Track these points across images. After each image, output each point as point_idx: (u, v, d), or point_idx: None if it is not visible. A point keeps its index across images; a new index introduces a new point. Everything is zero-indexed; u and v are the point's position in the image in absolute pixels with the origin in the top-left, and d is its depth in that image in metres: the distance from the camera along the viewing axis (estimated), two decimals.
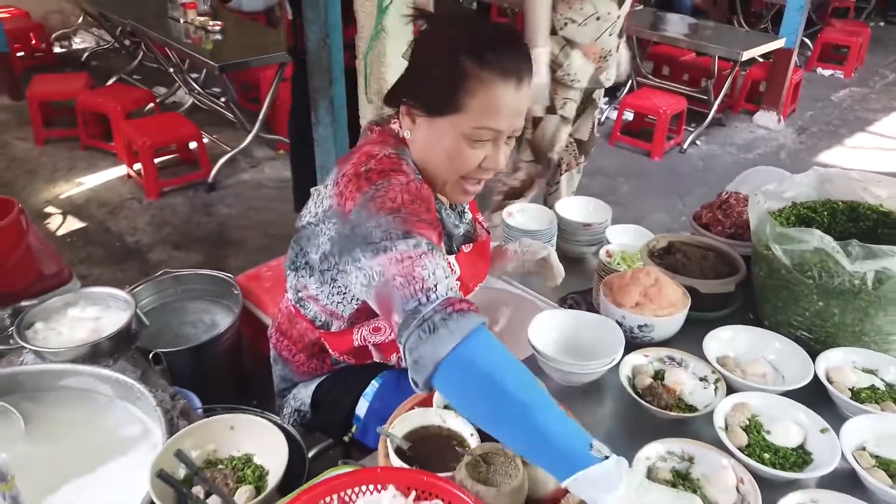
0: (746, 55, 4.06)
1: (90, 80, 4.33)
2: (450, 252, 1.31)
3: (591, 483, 0.84)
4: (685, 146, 4.39)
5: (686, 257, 1.57)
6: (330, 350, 1.40)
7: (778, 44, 4.40)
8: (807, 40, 6.17)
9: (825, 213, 1.51)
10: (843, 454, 1.08)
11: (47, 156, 4.01)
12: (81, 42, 6.02)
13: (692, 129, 4.49)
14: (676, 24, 4.73)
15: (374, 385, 1.39)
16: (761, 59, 4.87)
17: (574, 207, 2.30)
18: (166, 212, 3.50)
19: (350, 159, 1.17)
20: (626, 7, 2.49)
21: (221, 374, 2.19)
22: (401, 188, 1.09)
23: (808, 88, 5.44)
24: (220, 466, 1.15)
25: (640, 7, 5.05)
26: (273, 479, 1.10)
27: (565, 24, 2.45)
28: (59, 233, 3.28)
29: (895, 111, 5.25)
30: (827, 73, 5.88)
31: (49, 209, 3.47)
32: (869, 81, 5.82)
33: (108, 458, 1.19)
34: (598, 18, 2.44)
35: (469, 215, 1.43)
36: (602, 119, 4.92)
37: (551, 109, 2.61)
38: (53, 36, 5.85)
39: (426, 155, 1.19)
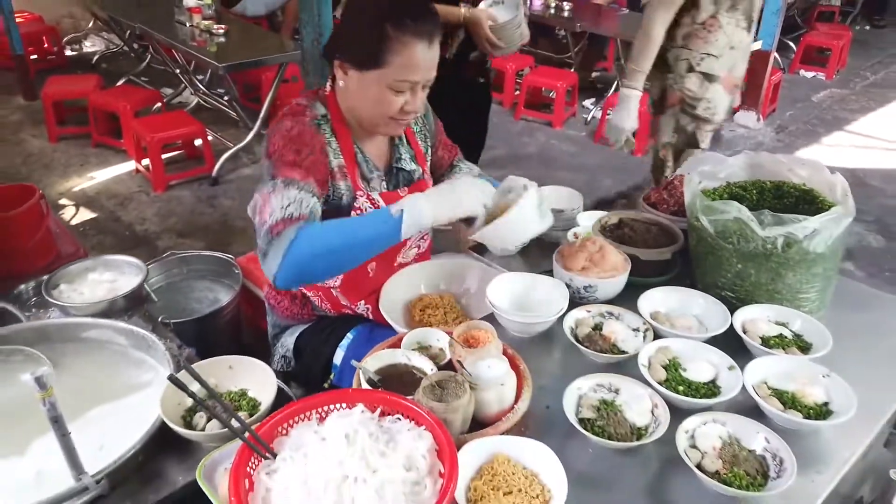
0: None
1: (101, 81, 4.56)
2: (369, 189, 1.55)
3: (413, 221, 1.30)
4: None
5: (633, 231, 1.78)
6: (306, 292, 1.64)
7: (755, 46, 4.60)
8: (791, 43, 6.37)
9: (754, 191, 1.70)
10: (744, 386, 1.28)
11: (60, 152, 4.25)
12: (92, 45, 6.26)
13: None
14: None
15: (349, 337, 1.61)
16: None
17: (549, 195, 2.50)
18: (173, 203, 3.72)
19: None
20: (754, 32, 2.54)
21: (222, 346, 2.40)
22: (283, 133, 1.40)
23: (790, 89, 5.64)
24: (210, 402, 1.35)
25: (626, 11, 5.25)
26: (263, 408, 1.31)
27: (702, 58, 2.45)
28: (73, 222, 3.51)
29: (872, 111, 5.44)
30: (809, 74, 6.07)
31: (63, 201, 3.69)
32: (849, 83, 6.01)
33: (124, 395, 1.39)
34: (731, 48, 2.46)
35: (416, 171, 1.64)
36: (588, 119, 5.14)
37: (694, 143, 2.66)
38: (65, 39, 6.09)
39: (357, 101, 1.44)
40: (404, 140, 1.62)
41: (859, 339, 1.52)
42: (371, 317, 1.66)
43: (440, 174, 1.77)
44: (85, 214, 3.59)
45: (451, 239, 1.84)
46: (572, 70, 5.33)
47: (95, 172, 4.04)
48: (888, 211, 3.94)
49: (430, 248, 1.74)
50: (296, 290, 1.59)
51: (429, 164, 1.69)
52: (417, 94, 1.41)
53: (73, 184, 3.90)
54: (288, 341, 1.73)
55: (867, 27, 7.73)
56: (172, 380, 1.05)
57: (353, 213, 1.51)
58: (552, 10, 5.09)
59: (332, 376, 1.64)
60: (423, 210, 1.30)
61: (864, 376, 1.35)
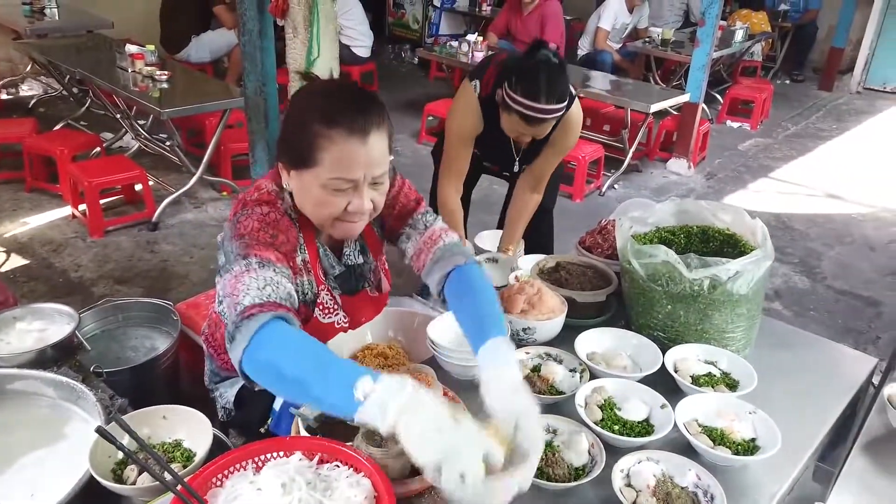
0: (655, 108, 4.49)
1: (37, 125, 4.46)
2: (330, 284, 1.49)
3: (369, 418, 1.00)
4: (604, 189, 4.77)
5: (569, 273, 1.84)
6: None
7: (684, 98, 4.87)
8: (717, 96, 6.75)
9: (682, 235, 1.79)
10: (675, 424, 1.33)
11: None
12: (29, 89, 6.12)
13: (610, 175, 4.87)
14: (599, 81, 5.17)
15: None
16: (674, 112, 5.34)
17: (490, 239, 2.56)
18: (110, 249, 3.62)
19: (249, 187, 1.41)
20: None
21: (159, 395, 2.32)
22: (258, 216, 1.30)
23: (718, 138, 5.94)
24: (141, 455, 1.31)
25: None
26: (199, 459, 1.28)
27: None
28: (2, 269, 3.37)
29: (794, 159, 5.77)
30: (735, 125, 6.43)
31: None
32: (773, 133, 6.38)
33: (53, 448, 1.34)
34: None
35: (365, 265, 1.57)
36: None
37: None
38: (0, 83, 5.94)
39: (301, 202, 1.36)
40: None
41: (783, 376, 1.60)
42: None
43: (395, 240, 1.60)
44: (16, 261, 3.46)
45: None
46: None
47: (29, 218, 3.91)
48: (811, 253, 4.16)
49: (385, 299, 1.72)
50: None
51: (384, 248, 1.63)
52: (362, 193, 1.30)
53: (5, 229, 3.75)
54: (228, 393, 1.69)
55: (787, 81, 8.26)
56: (101, 432, 1.02)
57: (316, 308, 1.47)
58: None
59: (269, 421, 1.61)
60: (385, 416, 0.99)
61: (789, 412, 1.42)
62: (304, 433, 1.26)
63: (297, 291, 1.36)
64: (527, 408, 1.12)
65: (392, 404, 0.99)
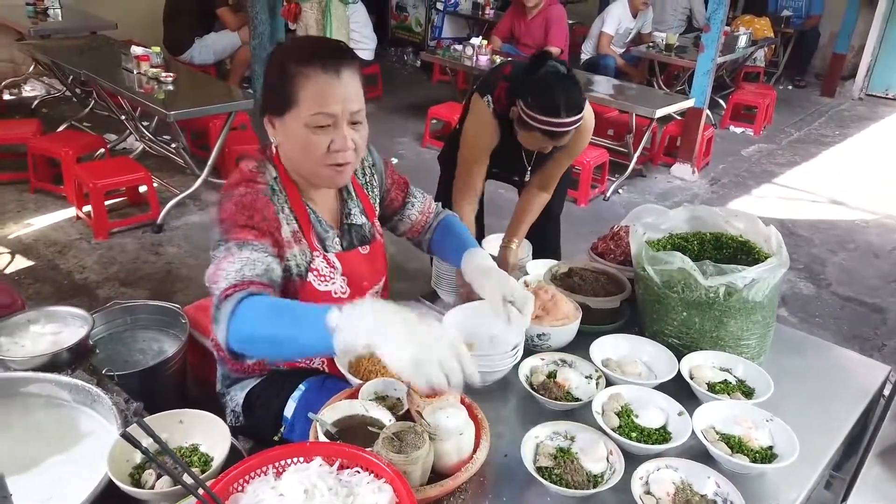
0: (659, 113, 4.50)
1: (41, 127, 4.45)
2: (325, 249, 1.53)
3: (345, 345, 1.08)
4: (608, 194, 4.77)
5: (582, 279, 1.83)
6: None
7: (688, 103, 4.88)
8: (720, 101, 6.77)
9: (695, 242, 1.79)
10: (693, 431, 1.33)
11: None
12: (32, 90, 6.12)
13: (615, 180, 4.88)
14: (603, 86, 5.18)
15: (301, 388, 1.58)
16: (678, 117, 5.35)
17: (495, 243, 2.56)
18: (115, 251, 3.62)
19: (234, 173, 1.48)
20: None
21: (167, 399, 2.31)
22: (235, 199, 1.36)
23: (721, 144, 5.95)
24: (162, 458, 1.31)
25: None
26: (216, 464, 1.27)
27: None
28: (7, 271, 3.36)
29: (797, 165, 5.78)
30: (738, 130, 6.44)
31: None
32: (776, 138, 6.39)
33: (68, 453, 1.33)
34: None
35: (367, 225, 1.62)
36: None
37: None
38: (3, 84, 5.93)
39: (288, 153, 1.44)
40: (353, 194, 1.61)
41: (796, 383, 1.60)
42: (326, 369, 1.64)
43: (395, 213, 1.76)
44: (21, 263, 3.45)
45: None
46: None
47: (33, 219, 3.90)
48: (815, 259, 4.17)
49: (378, 251, 1.70)
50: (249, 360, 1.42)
51: (378, 213, 1.69)
52: (342, 130, 1.37)
53: (9, 231, 3.75)
54: (238, 396, 1.69)
55: (790, 87, 8.27)
56: (125, 436, 1.02)
57: (310, 273, 1.49)
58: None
59: (282, 429, 1.61)
60: (359, 331, 1.07)
61: (804, 419, 1.42)
62: (322, 438, 1.26)
63: (291, 265, 1.45)
64: (503, 277, 1.47)
65: (361, 326, 1.07)
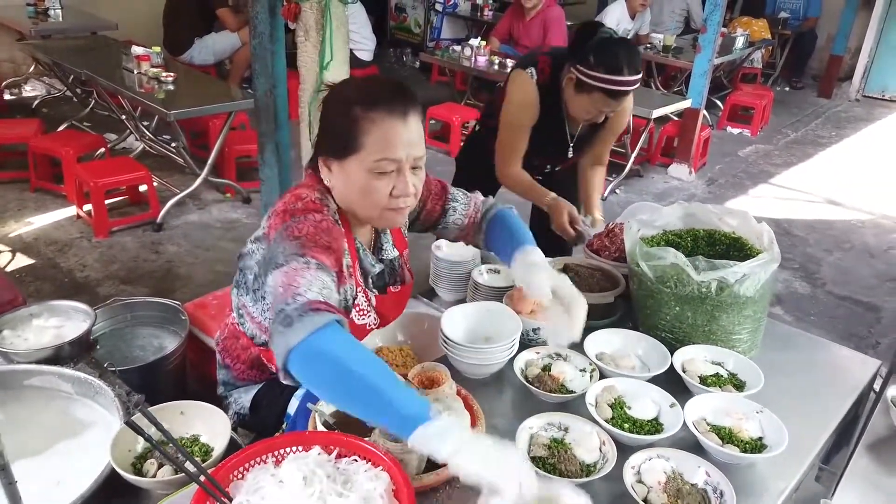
0: (656, 113, 4.53)
1: (42, 126, 4.47)
2: (367, 286, 1.54)
3: (429, 437, 1.03)
4: (606, 194, 4.80)
5: (577, 276, 1.86)
6: (267, 364, 1.62)
7: (685, 104, 4.92)
8: (718, 102, 6.80)
9: (689, 238, 1.82)
10: (685, 422, 1.36)
11: None
12: (32, 90, 6.14)
13: (612, 179, 4.91)
14: None
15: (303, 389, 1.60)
16: (675, 118, 5.38)
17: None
18: (115, 249, 3.64)
19: (283, 198, 1.41)
20: None
21: (167, 395, 2.33)
22: (312, 223, 1.30)
23: (718, 144, 5.98)
24: (170, 445, 1.34)
25: None
26: (216, 454, 1.30)
27: None
28: (8, 269, 3.38)
29: (794, 165, 5.82)
30: (735, 131, 6.47)
31: None
32: (772, 139, 6.42)
33: (71, 443, 1.36)
34: None
35: (397, 258, 1.62)
36: None
37: None
38: (4, 84, 5.95)
39: (346, 195, 1.39)
40: (386, 229, 1.58)
41: (787, 377, 1.63)
42: None
43: (437, 223, 1.70)
44: (22, 261, 3.47)
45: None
46: None
47: (34, 218, 3.92)
48: (811, 259, 4.20)
49: (407, 292, 1.72)
50: (293, 380, 1.17)
51: (407, 245, 1.67)
52: (405, 176, 1.34)
53: (10, 229, 3.77)
54: (243, 399, 1.69)
55: (787, 88, 8.31)
56: (130, 424, 1.04)
57: (353, 310, 1.50)
58: (496, 67, 5.32)
59: (284, 425, 1.63)
60: (440, 451, 1.04)
61: (794, 412, 1.45)
62: (321, 428, 1.28)
63: (342, 298, 1.41)
64: (558, 277, 1.48)
65: (450, 438, 1.03)
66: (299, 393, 1.61)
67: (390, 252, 1.60)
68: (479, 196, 1.72)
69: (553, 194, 2.26)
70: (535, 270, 1.48)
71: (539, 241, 1.60)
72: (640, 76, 2.05)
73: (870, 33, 7.96)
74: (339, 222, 1.41)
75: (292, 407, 1.61)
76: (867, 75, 8.17)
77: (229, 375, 1.72)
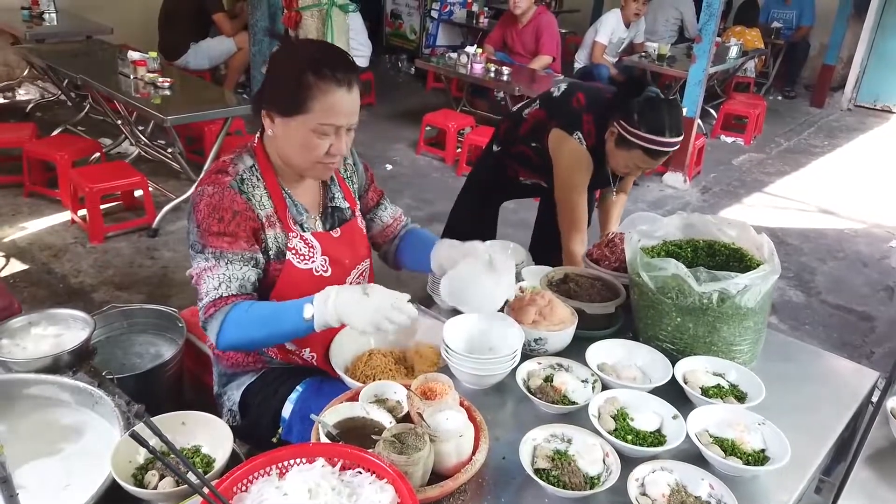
0: None
1: (36, 130, 4.45)
2: (304, 230, 1.63)
3: (323, 323, 1.39)
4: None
5: (578, 285, 1.86)
6: None
7: None
8: (712, 111, 6.84)
9: (689, 249, 1.82)
10: (687, 434, 1.36)
11: None
12: (26, 94, 6.11)
13: None
14: None
15: (298, 389, 1.62)
16: None
17: (495, 250, 2.57)
18: (110, 255, 3.62)
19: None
20: None
21: (164, 402, 2.32)
22: (205, 202, 1.49)
23: (712, 153, 6.02)
24: (171, 456, 1.33)
25: (560, 76, 5.54)
26: (218, 466, 1.29)
27: None
28: (2, 275, 3.35)
29: (787, 174, 5.86)
30: (729, 140, 6.51)
31: None
32: (766, 148, 6.46)
33: (70, 454, 1.35)
34: None
35: (347, 208, 1.72)
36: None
37: None
38: None
39: (286, 148, 1.52)
40: (336, 182, 1.71)
41: (787, 388, 1.63)
42: (316, 364, 1.68)
43: (368, 212, 1.84)
44: (16, 266, 3.44)
45: None
46: None
47: (28, 223, 3.89)
48: (805, 267, 4.22)
49: (355, 230, 1.76)
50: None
51: (358, 205, 1.77)
52: (342, 137, 1.50)
53: (3, 234, 3.74)
54: (234, 395, 1.71)
55: (779, 97, 8.37)
56: (134, 436, 1.04)
57: (288, 253, 1.57)
58: (491, 74, 5.33)
59: (280, 430, 1.63)
60: (329, 314, 1.38)
61: (795, 423, 1.45)
62: (324, 440, 1.27)
63: (270, 245, 1.56)
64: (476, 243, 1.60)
65: (328, 309, 1.37)
66: (293, 396, 1.63)
67: (341, 202, 1.70)
68: (403, 214, 1.90)
69: None
70: (458, 248, 1.62)
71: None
72: (681, 138, 2.09)
73: (861, 43, 8.04)
74: (253, 177, 1.55)
75: (286, 411, 1.62)
76: (859, 85, 8.24)
77: (221, 367, 1.75)
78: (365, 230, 1.77)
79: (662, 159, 2.15)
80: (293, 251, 1.58)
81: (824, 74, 8.12)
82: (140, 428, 1.17)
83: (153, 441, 1.11)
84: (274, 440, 1.63)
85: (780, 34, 7.90)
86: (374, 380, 1.54)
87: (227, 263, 1.47)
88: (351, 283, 1.69)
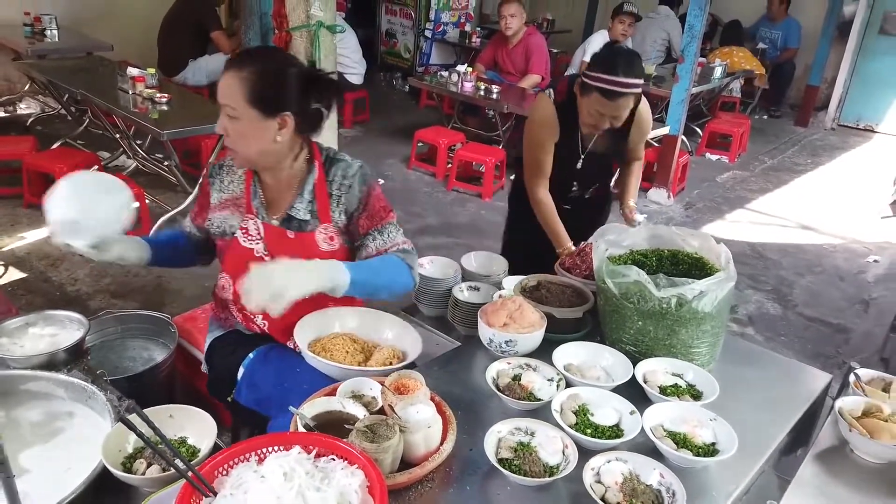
0: None
1: (36, 144, 4.56)
2: (262, 218, 1.79)
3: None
4: None
5: (549, 292, 1.97)
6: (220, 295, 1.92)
7: (664, 131, 5.08)
8: (697, 129, 6.99)
9: (654, 258, 1.92)
10: (643, 428, 1.45)
11: None
12: (26, 108, 6.23)
13: None
14: None
15: (249, 357, 1.82)
16: (655, 144, 5.54)
17: (476, 259, 2.69)
18: (106, 264, 3.70)
19: None
20: None
21: (156, 404, 2.40)
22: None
23: (697, 170, 6.15)
24: (159, 446, 1.42)
25: None
26: (202, 455, 1.38)
27: None
28: (1, 282, 3.44)
29: (770, 192, 5.99)
30: (714, 157, 6.65)
31: None
32: (749, 166, 6.60)
33: (64, 444, 1.44)
34: None
35: (306, 217, 1.77)
36: None
37: None
38: None
39: None
40: (307, 196, 1.77)
41: (745, 389, 1.73)
42: (267, 332, 1.87)
43: (356, 238, 1.84)
44: (14, 274, 3.54)
45: None
46: (500, 147, 5.67)
47: (26, 233, 3.99)
48: (783, 281, 4.33)
49: (309, 243, 1.80)
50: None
51: (336, 225, 1.80)
52: (223, 115, 1.67)
53: (2, 244, 3.83)
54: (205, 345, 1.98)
55: (765, 117, 8.54)
56: (125, 422, 1.13)
57: (239, 231, 1.79)
58: (482, 93, 5.47)
59: (233, 392, 1.84)
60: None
61: (748, 420, 1.55)
62: (302, 431, 1.37)
63: (216, 224, 1.82)
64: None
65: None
66: (245, 362, 1.83)
67: (302, 213, 1.77)
68: (406, 248, 1.82)
69: (570, 247, 2.41)
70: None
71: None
72: (637, 81, 2.17)
73: (844, 65, 8.22)
74: (235, 167, 1.81)
75: (240, 374, 1.83)
76: (842, 105, 8.42)
77: (212, 321, 2.01)
78: (332, 249, 1.80)
79: (619, 100, 2.19)
80: (244, 231, 1.78)
81: (808, 94, 8.30)
82: (132, 419, 1.26)
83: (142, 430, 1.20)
84: (229, 399, 1.85)
85: (765, 55, 8.08)
86: (330, 355, 1.68)
87: (187, 217, 1.99)
88: None
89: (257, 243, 1.78)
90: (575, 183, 2.62)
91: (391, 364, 1.67)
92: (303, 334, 1.72)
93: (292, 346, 1.84)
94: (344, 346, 1.72)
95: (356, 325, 1.84)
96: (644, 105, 2.46)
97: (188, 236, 1.96)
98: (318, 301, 1.71)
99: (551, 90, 2.41)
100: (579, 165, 2.53)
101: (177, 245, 1.95)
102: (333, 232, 1.80)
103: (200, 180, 1.81)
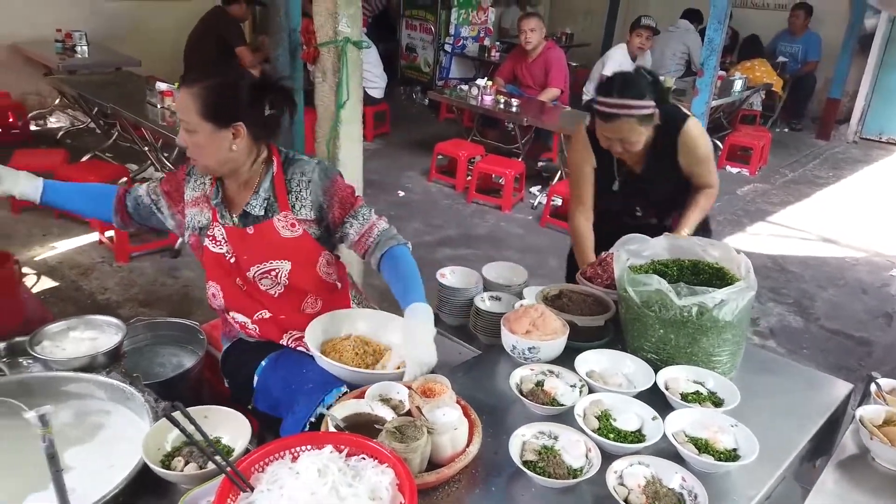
0: None
1: (67, 156, 4.69)
2: (223, 221, 1.85)
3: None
4: None
5: (571, 301, 2.00)
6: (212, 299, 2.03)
7: None
8: (717, 142, 6.99)
9: (675, 268, 1.95)
10: (665, 434, 1.48)
11: (22, 223, 4.31)
12: (57, 121, 6.40)
13: None
14: None
15: (262, 364, 1.90)
16: None
17: (496, 270, 2.73)
18: (135, 274, 3.81)
19: None
20: None
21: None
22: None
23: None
24: (200, 440, 1.47)
25: (567, 108, 5.73)
26: (237, 454, 1.43)
27: None
28: (34, 291, 3.54)
29: (791, 204, 5.97)
30: (735, 170, 6.65)
31: (24, 270, 3.74)
32: (770, 179, 6.59)
33: (104, 441, 1.50)
34: None
35: (261, 213, 1.83)
36: (535, 204, 5.50)
37: None
38: (30, 115, 6.21)
39: None
40: (265, 194, 1.84)
41: (766, 397, 1.75)
42: (259, 335, 1.96)
43: (336, 229, 1.92)
44: (46, 283, 3.64)
45: None
46: (520, 159, 5.72)
47: (58, 243, 4.11)
48: (805, 294, 4.31)
49: (268, 232, 1.86)
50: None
51: (298, 216, 1.86)
52: (180, 132, 1.75)
53: (35, 253, 3.95)
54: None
55: (786, 130, 8.51)
56: (169, 418, 1.18)
57: (206, 238, 1.87)
58: (501, 105, 5.53)
59: (253, 399, 1.91)
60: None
61: (769, 427, 1.58)
62: (332, 431, 1.41)
63: (189, 220, 1.90)
64: (416, 349, 1.64)
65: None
66: (258, 370, 1.91)
67: (257, 210, 1.84)
68: (382, 224, 1.91)
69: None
70: (410, 338, 1.68)
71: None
72: (632, 102, 2.08)
73: (866, 77, 8.19)
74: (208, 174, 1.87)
75: (256, 381, 1.91)
76: (864, 118, 8.37)
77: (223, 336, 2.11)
78: (294, 236, 1.86)
79: (618, 124, 2.11)
80: (210, 237, 1.85)
81: (830, 108, 8.27)
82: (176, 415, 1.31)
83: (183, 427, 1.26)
84: (249, 407, 1.90)
85: (785, 68, 8.07)
86: (340, 356, 1.76)
87: (146, 186, 2.01)
88: (253, 278, 1.89)
89: (223, 247, 1.86)
90: (638, 208, 2.53)
91: (400, 368, 1.70)
92: (314, 336, 1.78)
93: (302, 349, 1.90)
94: (354, 348, 1.77)
95: (367, 328, 1.90)
96: (692, 127, 2.29)
97: (128, 194, 1.99)
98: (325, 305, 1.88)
99: (588, 115, 2.34)
100: (615, 187, 2.46)
101: (94, 195, 2.06)
102: (294, 220, 1.86)
103: (182, 167, 1.95)
